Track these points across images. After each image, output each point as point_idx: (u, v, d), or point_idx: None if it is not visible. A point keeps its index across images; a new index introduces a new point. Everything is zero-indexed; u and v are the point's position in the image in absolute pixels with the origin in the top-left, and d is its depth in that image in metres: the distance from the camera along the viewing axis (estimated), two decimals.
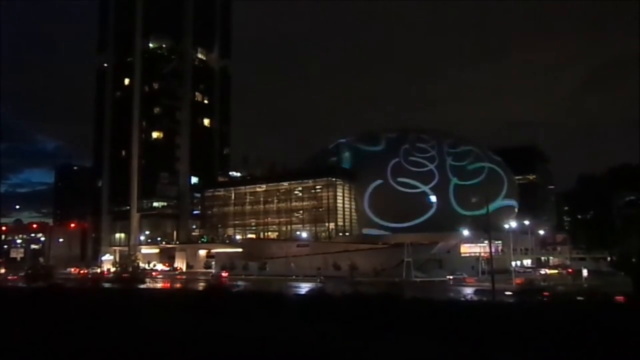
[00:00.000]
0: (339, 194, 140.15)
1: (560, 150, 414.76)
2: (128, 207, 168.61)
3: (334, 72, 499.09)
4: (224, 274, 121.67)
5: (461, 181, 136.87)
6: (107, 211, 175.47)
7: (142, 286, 59.99)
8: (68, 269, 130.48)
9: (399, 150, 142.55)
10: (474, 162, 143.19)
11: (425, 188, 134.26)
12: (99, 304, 28.67)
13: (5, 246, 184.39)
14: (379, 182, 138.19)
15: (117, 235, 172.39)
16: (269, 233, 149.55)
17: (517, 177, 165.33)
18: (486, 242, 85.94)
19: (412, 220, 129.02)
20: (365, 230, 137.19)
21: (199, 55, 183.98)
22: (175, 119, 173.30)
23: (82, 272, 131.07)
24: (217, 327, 20.35)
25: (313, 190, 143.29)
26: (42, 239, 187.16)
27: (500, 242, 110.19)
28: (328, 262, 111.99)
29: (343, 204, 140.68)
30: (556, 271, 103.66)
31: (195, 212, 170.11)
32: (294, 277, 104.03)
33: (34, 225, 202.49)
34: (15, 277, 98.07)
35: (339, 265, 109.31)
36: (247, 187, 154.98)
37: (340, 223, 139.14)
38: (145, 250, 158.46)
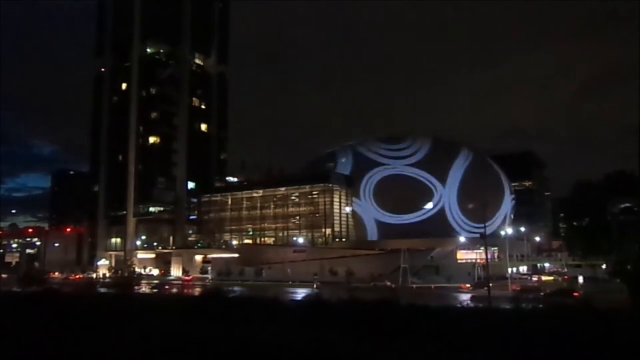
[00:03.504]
0: (336, 199, 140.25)
1: (557, 156, 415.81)
2: (124, 212, 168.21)
3: (332, 77, 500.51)
4: (187, 278, 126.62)
5: (459, 187, 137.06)
6: (103, 216, 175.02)
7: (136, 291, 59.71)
8: (56, 274, 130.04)
9: (397, 156, 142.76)
10: (471, 168, 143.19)
11: (423, 194, 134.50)
12: (94, 309, 28.56)
13: (1, 250, 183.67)
14: (375, 186, 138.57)
15: (113, 240, 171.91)
16: (266, 239, 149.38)
17: (513, 184, 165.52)
18: (482, 248, 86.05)
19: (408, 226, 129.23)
20: None
21: (197, 61, 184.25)
22: (172, 124, 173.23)
23: (77, 276, 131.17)
24: (213, 332, 20.30)
25: (310, 196, 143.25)
26: (38, 243, 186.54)
27: (496, 248, 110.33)
28: (325, 267, 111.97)
29: (340, 209, 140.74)
30: (551, 278, 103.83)
31: (191, 217, 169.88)
32: (290, 282, 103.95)
33: (30, 230, 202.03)
34: None
35: (335, 271, 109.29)
36: (244, 192, 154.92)
37: (337, 229, 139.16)
38: (141, 255, 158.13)
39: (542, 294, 62.01)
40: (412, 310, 26.00)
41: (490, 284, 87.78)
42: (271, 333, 19.48)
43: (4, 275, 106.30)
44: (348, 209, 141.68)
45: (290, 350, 16.86)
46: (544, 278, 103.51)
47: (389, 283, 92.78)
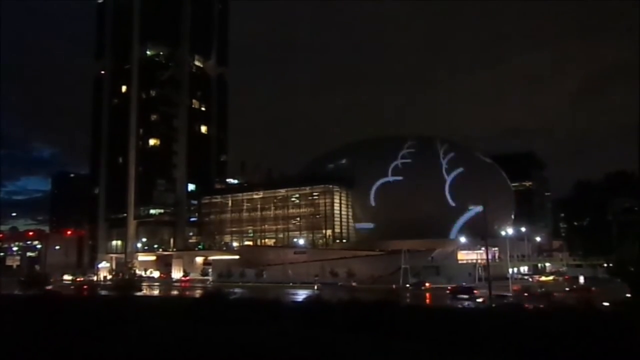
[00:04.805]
0: (336, 200, 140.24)
1: (557, 156, 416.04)
2: (125, 215, 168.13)
3: (332, 78, 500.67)
4: (184, 279, 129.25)
5: (457, 187, 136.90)
6: (103, 218, 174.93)
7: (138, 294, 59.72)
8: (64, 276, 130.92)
9: (397, 156, 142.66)
10: (470, 168, 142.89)
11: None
12: (96, 312, 28.61)
13: (1, 253, 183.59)
14: (376, 187, 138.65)
15: (114, 242, 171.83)
16: (266, 240, 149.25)
17: (513, 184, 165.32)
18: (483, 248, 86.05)
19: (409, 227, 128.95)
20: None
21: (196, 63, 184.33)
22: (172, 126, 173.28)
23: (78, 279, 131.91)
24: (214, 333, 20.34)
25: (310, 197, 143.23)
26: (39, 246, 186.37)
27: (496, 248, 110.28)
28: (325, 269, 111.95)
29: (340, 210, 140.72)
30: (550, 278, 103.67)
31: (192, 219, 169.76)
32: (291, 284, 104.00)
33: (30, 233, 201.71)
34: None
35: (336, 272, 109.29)
36: (244, 194, 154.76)
37: (337, 230, 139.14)
38: (142, 257, 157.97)
39: (447, 291, 72.73)
40: (411, 310, 26.06)
41: (428, 284, 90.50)
42: (271, 334, 19.54)
43: None
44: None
45: (290, 351, 16.91)
46: (543, 278, 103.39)
47: (354, 284, 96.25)
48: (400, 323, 21.51)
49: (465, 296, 67.24)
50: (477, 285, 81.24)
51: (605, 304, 34.77)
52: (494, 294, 64.44)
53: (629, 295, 48.51)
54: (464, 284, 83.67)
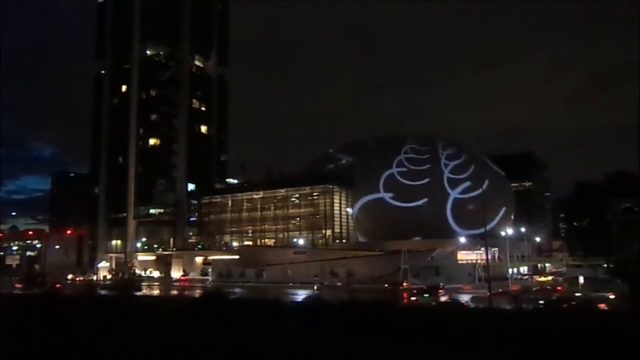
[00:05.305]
0: (336, 200, 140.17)
1: (557, 156, 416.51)
2: (125, 214, 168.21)
3: (332, 78, 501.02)
4: (183, 278, 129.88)
5: (458, 190, 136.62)
6: (103, 218, 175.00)
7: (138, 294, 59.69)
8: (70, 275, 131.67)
9: (397, 157, 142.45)
10: (471, 170, 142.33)
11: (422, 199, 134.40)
12: (94, 311, 28.61)
13: (1, 253, 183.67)
14: (375, 194, 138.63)
15: (114, 242, 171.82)
16: (266, 240, 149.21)
17: (513, 184, 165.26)
18: (483, 249, 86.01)
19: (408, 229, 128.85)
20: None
21: (197, 62, 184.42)
22: (172, 125, 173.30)
23: (77, 278, 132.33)
24: (214, 333, 20.34)
25: (310, 197, 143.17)
26: (38, 245, 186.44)
27: (496, 249, 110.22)
28: (325, 269, 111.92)
29: (340, 210, 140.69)
30: (549, 278, 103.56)
31: (192, 219, 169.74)
32: (291, 284, 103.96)
33: (30, 232, 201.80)
34: None
35: (336, 272, 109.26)
36: (244, 194, 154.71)
37: (337, 230, 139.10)
38: (141, 257, 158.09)
39: (414, 290, 74.09)
40: (411, 310, 26.06)
41: (405, 284, 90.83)
42: (271, 334, 19.54)
43: None
44: (349, 210, 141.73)
45: (290, 351, 16.91)
46: (541, 278, 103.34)
47: (340, 283, 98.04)
48: (398, 323, 21.52)
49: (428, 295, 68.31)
50: (474, 285, 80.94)
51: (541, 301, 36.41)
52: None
53: (595, 293, 49.54)
54: (440, 284, 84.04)
